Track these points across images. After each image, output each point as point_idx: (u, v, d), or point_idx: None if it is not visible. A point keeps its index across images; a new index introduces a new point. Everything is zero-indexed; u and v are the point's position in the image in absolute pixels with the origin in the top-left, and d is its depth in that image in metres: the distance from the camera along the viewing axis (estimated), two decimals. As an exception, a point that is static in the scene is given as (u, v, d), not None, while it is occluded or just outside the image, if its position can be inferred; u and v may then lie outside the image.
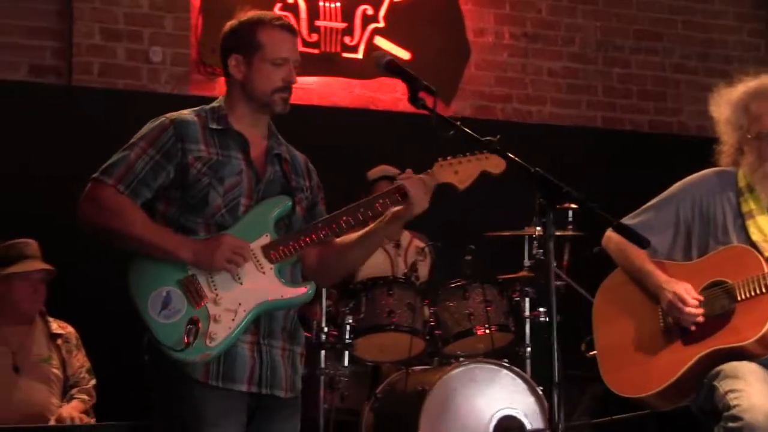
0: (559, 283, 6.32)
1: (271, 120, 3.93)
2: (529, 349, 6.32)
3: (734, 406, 4.13)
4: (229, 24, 3.89)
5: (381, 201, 3.75)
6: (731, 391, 4.18)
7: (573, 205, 6.19)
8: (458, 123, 3.58)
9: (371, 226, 3.83)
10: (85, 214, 3.70)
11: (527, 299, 6.38)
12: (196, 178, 3.69)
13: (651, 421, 5.89)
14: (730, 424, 4.12)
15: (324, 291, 5.97)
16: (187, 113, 3.81)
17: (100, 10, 7.59)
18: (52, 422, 5.53)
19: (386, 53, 3.77)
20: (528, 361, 6.29)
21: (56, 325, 5.90)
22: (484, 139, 3.59)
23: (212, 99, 3.95)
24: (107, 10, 7.61)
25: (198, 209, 3.69)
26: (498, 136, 3.61)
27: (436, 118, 3.56)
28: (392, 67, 3.69)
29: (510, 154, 3.54)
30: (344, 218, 3.74)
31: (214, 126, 3.79)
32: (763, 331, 4.21)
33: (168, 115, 3.79)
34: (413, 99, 3.61)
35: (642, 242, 3.49)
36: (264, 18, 3.85)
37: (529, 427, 5.78)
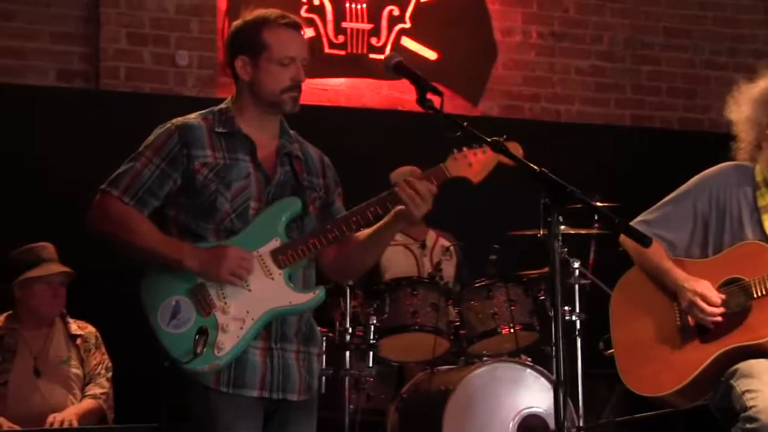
0: (584, 281, 6.29)
1: (283, 118, 3.86)
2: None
3: (751, 407, 4.12)
4: (234, 25, 3.81)
5: (390, 200, 3.68)
6: (748, 391, 4.16)
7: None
8: (465, 123, 3.57)
9: (379, 224, 3.76)
10: (93, 225, 3.71)
11: (552, 298, 6.36)
12: (203, 185, 3.66)
13: (678, 420, 5.86)
14: (747, 425, 4.11)
15: (349, 292, 5.98)
16: (193, 117, 3.77)
17: (126, 14, 7.65)
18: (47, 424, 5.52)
19: (395, 54, 3.73)
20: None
21: (76, 326, 5.89)
22: (491, 139, 3.58)
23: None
24: (133, 14, 7.67)
25: (207, 215, 3.66)
26: (504, 136, 3.60)
27: (442, 119, 3.56)
28: (400, 69, 3.67)
29: (515, 155, 3.53)
30: (354, 218, 3.69)
31: (220, 129, 3.74)
32: (780, 328, 4.20)
33: (174, 120, 3.76)
34: (421, 100, 3.59)
35: (644, 241, 3.47)
36: (268, 17, 3.76)
37: (553, 426, 5.76)
